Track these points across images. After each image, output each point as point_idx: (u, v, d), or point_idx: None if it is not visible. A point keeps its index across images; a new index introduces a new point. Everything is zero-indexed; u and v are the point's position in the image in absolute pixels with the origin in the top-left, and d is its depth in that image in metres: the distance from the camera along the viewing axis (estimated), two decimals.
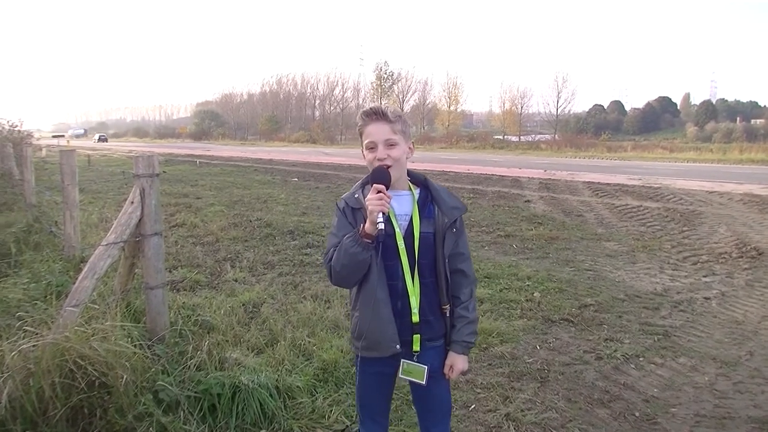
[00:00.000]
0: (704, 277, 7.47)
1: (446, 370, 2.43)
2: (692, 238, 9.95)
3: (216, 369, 3.63)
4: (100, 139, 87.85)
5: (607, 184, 17.72)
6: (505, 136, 73.29)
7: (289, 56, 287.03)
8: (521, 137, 73.52)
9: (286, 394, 3.70)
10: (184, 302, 5.23)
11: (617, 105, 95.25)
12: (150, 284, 3.88)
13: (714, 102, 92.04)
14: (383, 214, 2.14)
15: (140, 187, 3.81)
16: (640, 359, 4.77)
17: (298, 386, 3.81)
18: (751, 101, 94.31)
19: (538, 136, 72.71)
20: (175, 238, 9.07)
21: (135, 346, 3.37)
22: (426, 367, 2.34)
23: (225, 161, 31.87)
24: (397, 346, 2.30)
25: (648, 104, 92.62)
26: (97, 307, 3.65)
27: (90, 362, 3.05)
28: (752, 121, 77.04)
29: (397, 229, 2.30)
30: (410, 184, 2.41)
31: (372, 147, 2.29)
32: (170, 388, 3.26)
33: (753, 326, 5.60)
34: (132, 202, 3.82)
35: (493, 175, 21.29)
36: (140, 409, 3.09)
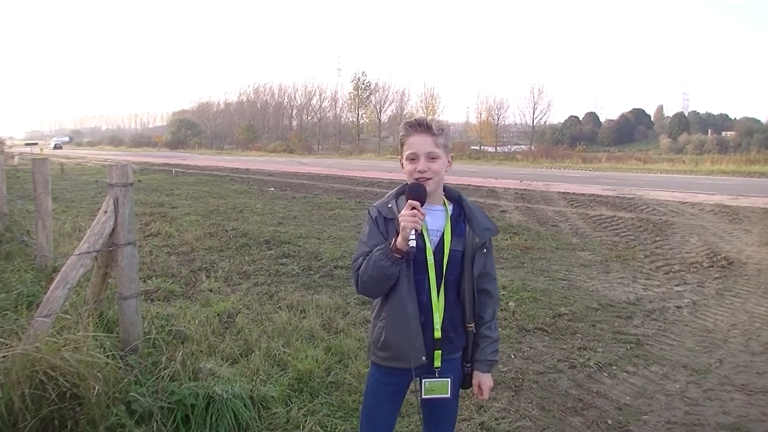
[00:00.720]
0: (676, 286, 7.58)
1: (475, 390, 2.45)
2: (664, 248, 10.10)
3: (190, 379, 3.61)
4: (55, 147, 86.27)
5: (582, 194, 17.91)
6: (482, 147, 73.74)
7: (267, 65, 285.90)
8: (498, 148, 74.11)
9: (261, 404, 3.69)
10: (158, 312, 5.18)
11: (592, 116, 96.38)
12: (123, 294, 3.85)
13: (686, 114, 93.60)
14: (415, 231, 2.12)
15: (114, 196, 3.79)
16: (613, 367, 4.83)
17: (272, 396, 3.80)
18: (721, 114, 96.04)
19: (515, 147, 73.27)
20: (149, 248, 8.99)
21: (107, 356, 3.33)
22: (449, 379, 2.36)
23: (201, 170, 31.66)
24: (423, 358, 2.29)
25: (622, 116, 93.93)
26: (69, 317, 3.62)
27: (61, 373, 3.02)
28: (723, 133, 78.42)
29: (428, 244, 2.29)
30: (444, 198, 2.41)
31: (413, 158, 2.27)
32: (143, 399, 3.23)
33: (723, 334, 5.70)
34: (105, 212, 3.79)
35: (469, 185, 21.39)
36: (112, 421, 3.06)
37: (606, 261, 9.03)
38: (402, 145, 2.34)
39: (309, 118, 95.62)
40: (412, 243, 2.11)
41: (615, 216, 13.46)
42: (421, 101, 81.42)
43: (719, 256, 9.12)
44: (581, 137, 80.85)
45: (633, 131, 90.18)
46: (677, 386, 4.49)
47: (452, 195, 2.44)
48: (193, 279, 7.23)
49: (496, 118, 79.04)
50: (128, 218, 3.85)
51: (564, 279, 7.80)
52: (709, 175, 31.38)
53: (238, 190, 19.66)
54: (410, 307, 2.27)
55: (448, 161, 2.37)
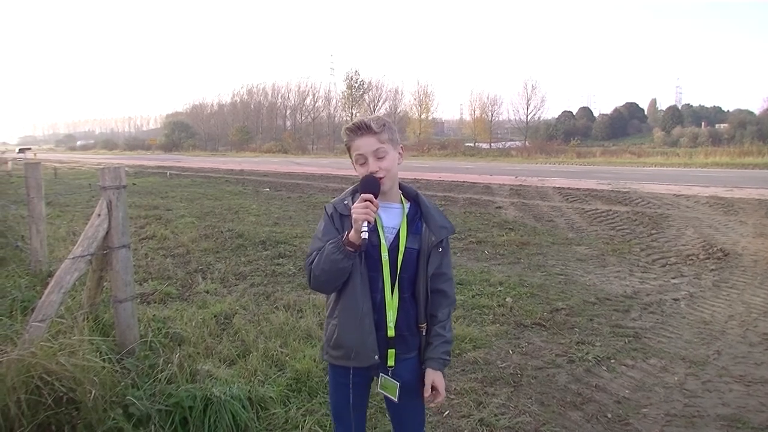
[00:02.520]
0: (673, 278, 7.59)
1: (427, 388, 2.35)
2: (660, 240, 10.12)
3: (187, 381, 3.59)
4: (20, 151, 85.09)
5: (577, 189, 17.92)
6: (476, 144, 73.83)
7: (260, 66, 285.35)
8: (492, 144, 74.20)
9: (259, 405, 3.68)
10: (154, 315, 5.16)
11: (586, 111, 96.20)
12: (119, 297, 3.84)
13: (680, 107, 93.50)
14: (368, 223, 2.09)
15: (107, 199, 3.77)
16: (612, 361, 4.83)
17: (270, 397, 3.78)
18: (715, 106, 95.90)
19: (509, 143, 73.35)
20: (145, 251, 8.96)
21: (104, 360, 3.32)
22: (398, 383, 2.30)
23: (196, 172, 31.56)
24: (376, 357, 2.27)
25: (616, 110, 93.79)
26: (64, 321, 3.60)
27: (57, 378, 3.00)
28: (716, 125, 78.46)
29: (382, 241, 2.27)
30: (402, 197, 2.39)
31: (362, 162, 2.26)
32: (140, 402, 3.21)
33: (720, 326, 5.71)
34: (99, 215, 3.77)
35: (464, 182, 21.39)
36: (110, 424, 3.04)
37: (602, 255, 9.04)
38: (349, 150, 2.33)
39: (303, 118, 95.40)
40: (365, 235, 2.08)
41: (610, 210, 13.47)
42: (415, 99, 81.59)
43: (715, 248, 9.13)
44: (575, 132, 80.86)
45: (627, 125, 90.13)
46: (676, 378, 4.49)
47: (409, 193, 2.42)
48: (189, 281, 7.21)
49: (489, 114, 79.18)
50: (122, 221, 3.83)
51: (561, 274, 7.81)
52: (704, 167, 31.46)
53: (233, 192, 19.60)
54: (363, 304, 2.24)
55: (399, 154, 2.35)
